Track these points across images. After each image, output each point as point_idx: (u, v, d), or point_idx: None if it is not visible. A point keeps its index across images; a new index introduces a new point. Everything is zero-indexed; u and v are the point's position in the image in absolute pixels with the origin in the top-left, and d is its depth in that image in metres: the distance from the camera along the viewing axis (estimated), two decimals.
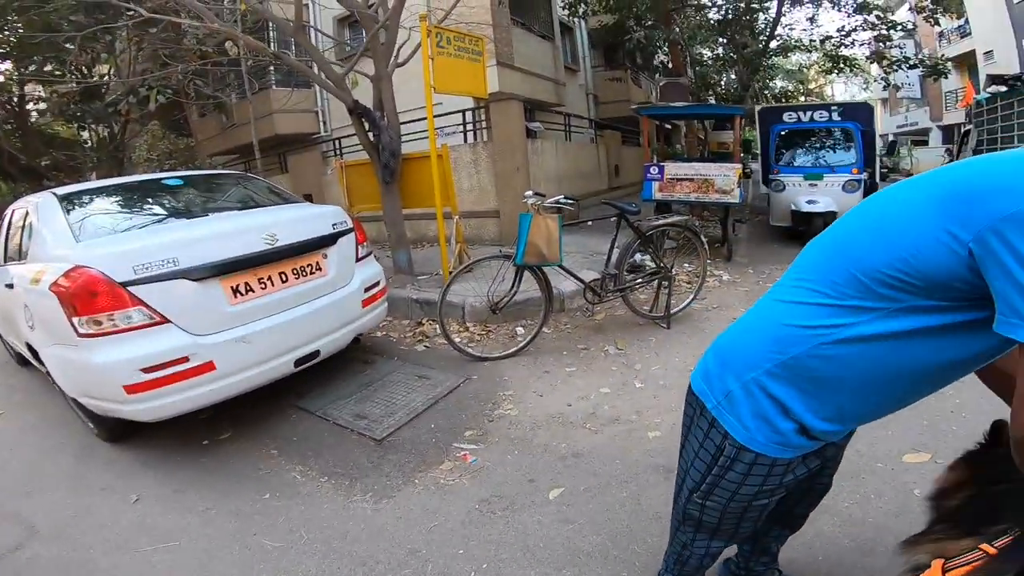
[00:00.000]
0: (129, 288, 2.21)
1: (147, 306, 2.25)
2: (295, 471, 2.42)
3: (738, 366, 1.05)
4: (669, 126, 16.01)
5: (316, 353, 2.83)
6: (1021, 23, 16.72)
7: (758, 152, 8.15)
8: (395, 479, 2.32)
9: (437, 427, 2.71)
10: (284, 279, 2.70)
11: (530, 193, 3.49)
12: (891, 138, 31.04)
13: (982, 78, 17.74)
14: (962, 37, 19.18)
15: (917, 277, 0.78)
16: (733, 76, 15.31)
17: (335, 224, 3.05)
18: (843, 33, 11.96)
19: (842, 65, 12.26)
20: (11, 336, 3.50)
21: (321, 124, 12.52)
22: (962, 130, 9.49)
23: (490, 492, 2.19)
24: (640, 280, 3.88)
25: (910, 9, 11.84)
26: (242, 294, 2.51)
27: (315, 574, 1.82)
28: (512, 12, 9.79)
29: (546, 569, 1.78)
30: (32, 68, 8.91)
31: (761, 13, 11.79)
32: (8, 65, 9.67)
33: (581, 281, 3.69)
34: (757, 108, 6.94)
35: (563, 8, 11.67)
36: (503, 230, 6.55)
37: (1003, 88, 6.75)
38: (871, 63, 12.59)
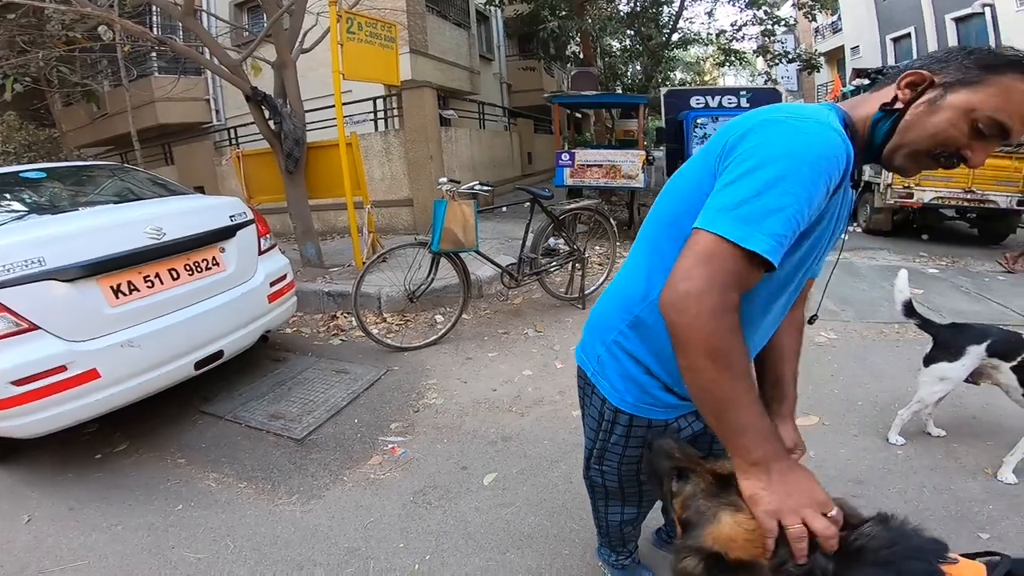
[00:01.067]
0: None
1: (11, 312, 1.96)
2: (208, 479, 2.23)
3: (600, 330, 1.09)
4: (580, 115, 16.54)
5: (219, 354, 2.62)
6: (886, 20, 18.82)
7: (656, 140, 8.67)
8: (322, 478, 2.22)
9: (361, 422, 2.63)
10: (175, 276, 2.46)
11: (444, 180, 3.45)
12: None
13: (848, 72, 19.93)
14: (834, 33, 21.22)
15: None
16: (638, 67, 16.01)
17: (233, 216, 2.83)
18: (735, 28, 12.92)
19: (733, 58, 13.24)
20: None
21: (213, 113, 11.52)
22: None
23: (424, 483, 2.15)
24: (555, 263, 3.98)
25: (792, 5, 12.95)
26: (125, 294, 2.26)
27: None
28: None
29: (489, 554, 1.78)
30: None
31: (665, 6, 12.42)
32: None
33: (498, 266, 3.72)
34: (663, 91, 7.18)
35: None
36: (417, 219, 6.43)
37: (866, 81, 7.60)
38: (757, 56, 13.69)
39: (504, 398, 2.80)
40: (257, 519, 1.98)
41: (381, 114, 7.58)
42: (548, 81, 16.19)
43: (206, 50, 4.63)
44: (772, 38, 12.62)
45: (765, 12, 12.20)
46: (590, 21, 11.06)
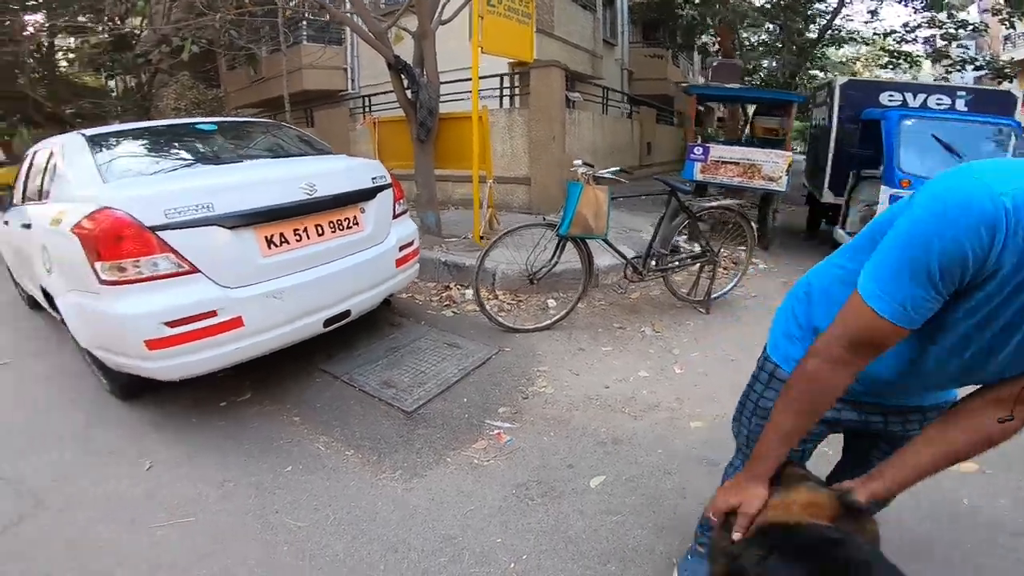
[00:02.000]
0: (159, 233, 2.03)
1: (177, 253, 2.07)
2: (319, 442, 2.27)
3: (790, 293, 1.21)
4: (702, 108, 15.56)
5: (347, 313, 2.67)
6: None
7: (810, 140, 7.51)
8: (426, 456, 2.17)
9: (469, 401, 2.56)
10: (320, 232, 2.52)
11: (579, 162, 3.26)
12: None
13: None
14: None
15: None
16: (775, 63, 14.57)
17: (375, 178, 2.86)
18: (907, 28, 11.29)
19: (899, 59, 11.59)
20: (25, 279, 3.32)
21: (349, 82, 12.20)
22: None
23: (528, 476, 2.03)
24: (685, 262, 3.65)
25: (983, 11, 11.04)
26: (276, 246, 2.34)
27: (343, 559, 1.67)
28: None
29: (589, 563, 1.64)
30: (65, 20, 8.67)
31: (818, 2, 11.10)
32: (39, 17, 9.44)
33: (623, 257, 3.47)
34: (839, 81, 5.51)
35: None
36: (533, 198, 6.30)
37: None
38: (932, 61, 11.88)
39: (617, 397, 2.61)
40: (359, 491, 1.96)
41: (507, 91, 7.49)
42: (673, 71, 15.27)
43: (356, 16, 4.78)
44: (954, 42, 10.84)
45: (949, 15, 10.46)
46: (731, 11, 10.19)
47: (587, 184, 3.07)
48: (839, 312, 0.87)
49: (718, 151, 5.37)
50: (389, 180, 2.99)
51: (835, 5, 11.08)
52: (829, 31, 11.63)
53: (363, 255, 2.72)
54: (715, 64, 6.74)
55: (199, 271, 2.13)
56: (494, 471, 2.07)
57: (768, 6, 10.81)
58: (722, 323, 3.62)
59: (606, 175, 3.20)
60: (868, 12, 11.89)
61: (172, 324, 2.06)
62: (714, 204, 3.62)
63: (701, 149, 5.41)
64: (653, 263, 3.53)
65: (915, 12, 10.89)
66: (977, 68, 11.78)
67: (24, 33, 8.64)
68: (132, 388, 2.54)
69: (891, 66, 12.19)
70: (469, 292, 3.94)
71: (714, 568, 1.02)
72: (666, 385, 2.75)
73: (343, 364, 2.87)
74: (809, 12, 11.29)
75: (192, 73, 13.41)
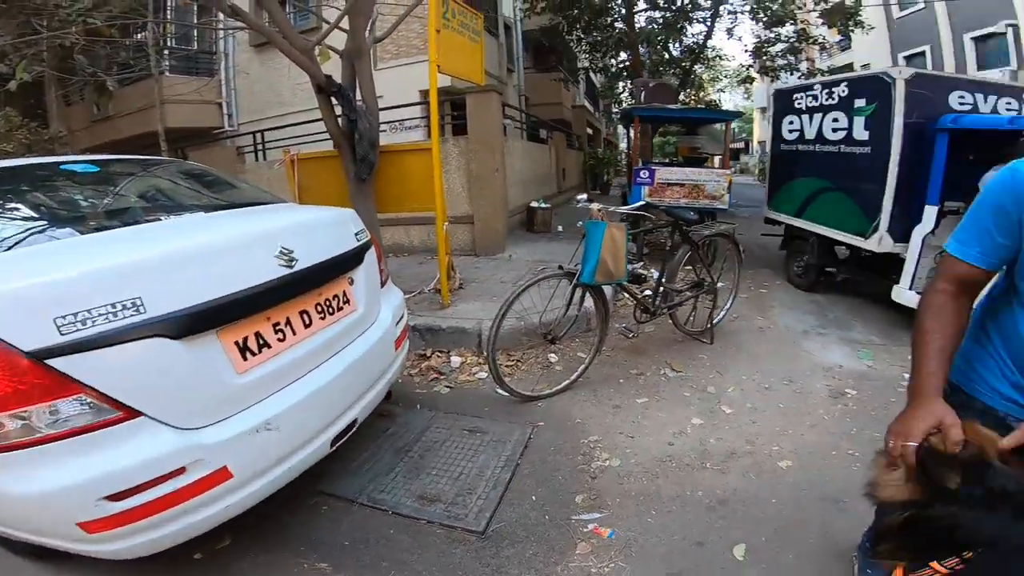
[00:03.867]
0: (51, 362, 1.16)
1: (93, 391, 1.20)
2: None
3: None
4: (628, 131, 16.46)
5: (354, 423, 1.90)
6: (899, 38, 18.64)
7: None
8: None
9: (539, 499, 1.96)
10: (307, 321, 1.75)
11: (584, 197, 2.86)
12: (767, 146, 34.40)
13: None
14: (842, 51, 21.25)
15: None
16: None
17: (357, 234, 2.12)
18: (761, 43, 12.47)
19: (762, 75, 12.88)
20: None
21: (225, 117, 10.67)
22: None
23: (663, 570, 1.64)
24: (690, 295, 3.38)
25: (822, 24, 12.60)
26: (254, 353, 1.53)
27: None
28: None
29: None
30: None
31: (689, 25, 12.01)
32: None
33: (635, 298, 3.10)
34: (900, 73, 3.61)
35: (523, 4, 11.10)
36: (476, 238, 5.71)
37: None
38: (761, 74, 13.27)
39: (689, 453, 2.28)
40: None
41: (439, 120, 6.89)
42: (565, 95, 15.79)
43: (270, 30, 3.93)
44: (798, 56, 12.30)
45: (800, 32, 11.81)
46: (639, 33, 10.72)
47: (608, 224, 2.64)
48: None
49: (663, 173, 5.32)
50: (369, 235, 2.29)
51: (709, 25, 12.05)
52: (701, 50, 12.64)
53: (362, 342, 1.97)
54: (651, 85, 6.78)
55: (141, 413, 1.29)
56: None
57: (660, 27, 11.46)
58: (730, 351, 3.41)
59: (624, 211, 2.81)
60: (726, 31, 13.08)
61: (117, 497, 1.21)
62: (709, 232, 3.41)
63: (647, 172, 5.31)
64: (662, 301, 3.21)
65: (765, 28, 12.06)
66: (811, 76, 13.44)
67: None
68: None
69: (749, 81, 13.55)
70: (455, 359, 3.28)
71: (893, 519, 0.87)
72: (726, 429, 2.48)
73: (347, 481, 2.07)
74: (683, 34, 12.13)
75: (22, 108, 10.82)
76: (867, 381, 2.97)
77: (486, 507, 1.88)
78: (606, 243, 2.60)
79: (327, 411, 1.75)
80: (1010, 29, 13.46)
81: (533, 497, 1.98)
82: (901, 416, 0.93)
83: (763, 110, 33.63)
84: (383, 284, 2.32)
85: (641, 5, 10.90)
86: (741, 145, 39.60)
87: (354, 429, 1.92)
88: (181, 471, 1.32)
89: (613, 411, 2.65)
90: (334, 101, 3.78)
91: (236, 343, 1.51)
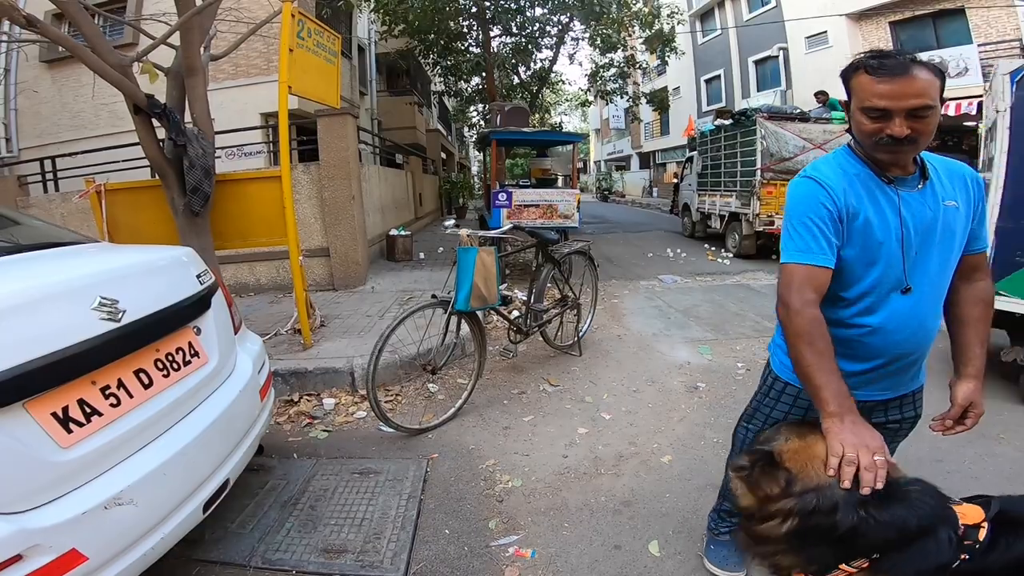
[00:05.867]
0: None
1: None
2: None
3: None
4: (481, 154, 16.98)
5: (226, 484, 1.82)
6: (702, 63, 22.37)
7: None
8: None
9: (453, 531, 2.07)
10: (147, 381, 1.61)
11: (452, 223, 3.06)
12: (603, 166, 38.28)
13: (673, 112, 23.19)
14: (659, 75, 24.78)
15: None
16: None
17: (200, 276, 1.99)
18: (601, 67, 14.11)
19: (598, 98, 14.48)
20: None
21: (3, 142, 8.88)
22: (687, 155, 12.30)
23: None
24: (556, 311, 3.77)
25: (645, 50, 14.58)
26: (80, 424, 1.38)
27: None
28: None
29: None
30: None
31: (540, 51, 13.17)
32: None
33: (508, 320, 3.38)
34: (1007, 66, 2.97)
35: (381, 27, 11.07)
36: (334, 271, 5.55)
37: (728, 121, 8.98)
38: (597, 96, 15.12)
39: (583, 462, 2.54)
40: None
41: (274, 145, 6.54)
42: (419, 119, 16.03)
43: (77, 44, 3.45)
44: (627, 80, 14.19)
45: (628, 58, 13.63)
46: (495, 57, 11.34)
47: (479, 249, 2.88)
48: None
49: (520, 195, 5.80)
50: (213, 277, 2.17)
51: (554, 50, 13.28)
52: (548, 75, 13.88)
53: (221, 397, 1.88)
54: (507, 108, 7.21)
55: None
56: None
57: (511, 51, 12.32)
58: (599, 360, 3.88)
59: (493, 235, 3.08)
60: (568, 56, 14.59)
61: None
62: (568, 250, 3.87)
63: (505, 195, 5.74)
64: (532, 320, 3.55)
65: (601, 54, 13.76)
66: (645, 99, 15.56)
67: None
68: None
69: (587, 104, 15.17)
70: (329, 401, 3.22)
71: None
72: (609, 434, 2.82)
73: (233, 545, 1.96)
74: (530, 60, 13.23)
75: None
76: (711, 373, 3.61)
77: (400, 549, 1.94)
78: (478, 268, 2.83)
79: (190, 476, 1.68)
80: (782, 52, 17.03)
81: (446, 531, 2.08)
82: (850, 430, 1.00)
83: (598, 131, 37.79)
84: (237, 330, 2.23)
85: (496, 31, 11.61)
86: (580, 165, 43.91)
87: (227, 490, 1.84)
88: (17, 559, 1.21)
89: (503, 432, 2.87)
90: (156, 124, 3.47)
91: (54, 415, 1.38)
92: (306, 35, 3.42)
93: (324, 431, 2.94)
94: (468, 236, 2.92)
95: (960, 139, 12.51)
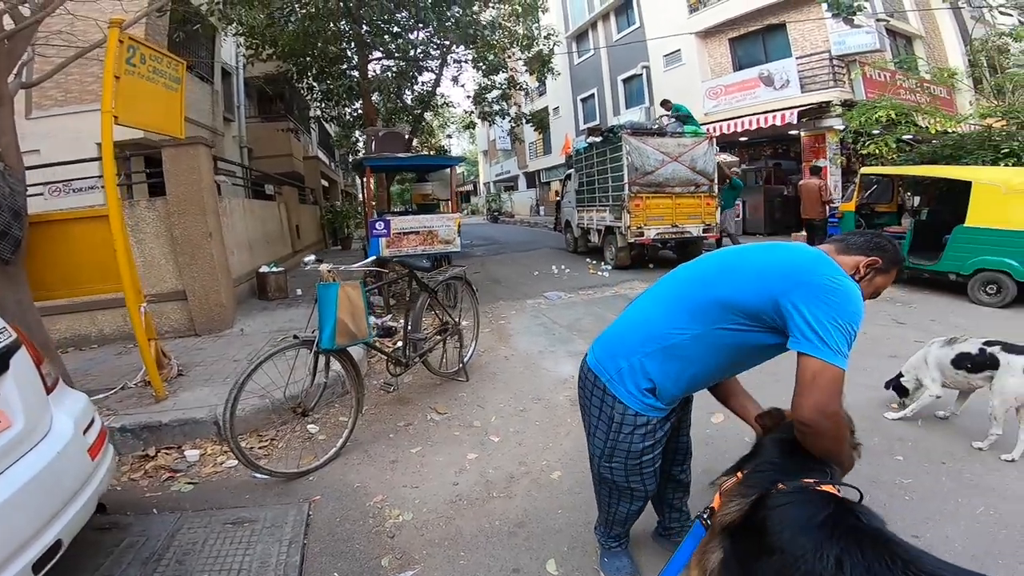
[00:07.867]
0: None
1: None
2: None
3: (623, 350, 1.62)
4: (361, 180, 16.53)
5: (58, 545, 1.79)
6: (578, 83, 24.10)
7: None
8: None
9: (343, 573, 2.12)
10: None
11: (312, 259, 3.13)
12: (492, 187, 39.16)
13: (554, 131, 24.62)
14: (540, 95, 26.08)
15: (747, 312, 1.43)
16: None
17: None
18: (483, 89, 14.57)
19: (482, 120, 14.94)
20: None
21: None
22: (565, 173, 13.13)
23: None
24: (438, 339, 3.93)
25: (526, 71, 15.28)
26: None
27: None
28: (169, 46, 8.41)
29: None
30: None
31: (423, 73, 13.34)
32: None
33: (384, 354, 3.48)
34: None
35: (246, 50, 10.59)
36: (194, 316, 5.24)
37: (599, 139, 9.80)
38: (480, 118, 15.68)
39: (474, 488, 2.68)
40: None
41: (125, 178, 5.99)
42: (296, 146, 15.46)
43: None
44: (509, 102, 14.83)
45: (509, 79, 14.25)
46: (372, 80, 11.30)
47: (342, 284, 2.96)
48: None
49: (398, 223, 5.92)
50: (13, 335, 2.09)
51: (437, 73, 13.53)
52: (431, 98, 14.11)
53: (33, 461, 1.85)
54: (381, 134, 7.20)
55: None
56: None
57: (392, 74, 12.37)
58: (486, 384, 4.12)
59: (356, 268, 3.16)
60: (452, 79, 14.98)
61: None
62: (443, 277, 4.07)
63: (383, 223, 5.84)
64: (412, 351, 3.67)
65: (484, 76, 14.25)
66: (525, 120, 16.41)
67: None
68: None
69: (472, 126, 15.54)
70: (192, 453, 3.10)
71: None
72: (499, 456, 2.99)
73: None
74: (414, 83, 13.41)
75: None
76: None
77: None
78: (342, 303, 2.91)
79: (9, 539, 1.63)
80: (644, 70, 19.04)
81: (335, 573, 2.13)
82: None
83: (486, 153, 38.86)
84: (51, 389, 2.16)
85: (376, 54, 11.70)
86: (470, 188, 44.87)
87: (62, 550, 1.82)
88: None
89: (391, 467, 2.96)
90: None
91: None
92: (138, 61, 3.32)
93: (189, 483, 2.85)
94: (329, 271, 3.00)
95: (788, 147, 14.85)
